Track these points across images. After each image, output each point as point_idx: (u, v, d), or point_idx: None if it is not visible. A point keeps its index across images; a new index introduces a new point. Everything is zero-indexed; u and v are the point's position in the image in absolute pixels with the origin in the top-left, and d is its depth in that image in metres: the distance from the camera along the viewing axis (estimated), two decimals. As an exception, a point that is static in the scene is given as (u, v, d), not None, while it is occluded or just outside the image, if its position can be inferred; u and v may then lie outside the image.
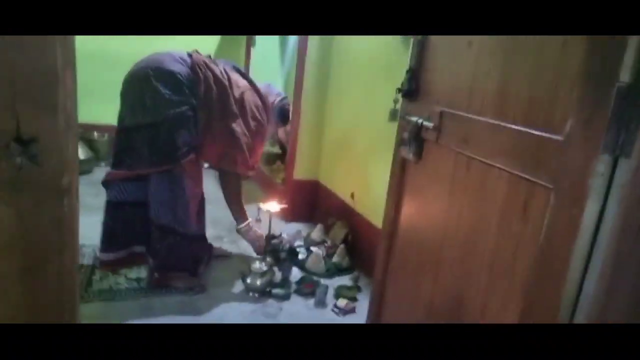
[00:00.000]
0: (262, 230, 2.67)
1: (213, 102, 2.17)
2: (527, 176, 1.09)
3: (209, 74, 2.16)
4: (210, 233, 2.84)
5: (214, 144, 2.25)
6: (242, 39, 4.44)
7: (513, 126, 1.14)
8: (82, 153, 3.84)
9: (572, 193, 0.95)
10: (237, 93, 2.28)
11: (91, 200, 3.28)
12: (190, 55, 2.18)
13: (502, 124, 1.18)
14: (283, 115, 2.70)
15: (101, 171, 3.95)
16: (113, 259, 2.16)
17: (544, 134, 1.04)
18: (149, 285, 2.14)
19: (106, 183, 2.15)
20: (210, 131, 2.20)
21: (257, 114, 2.37)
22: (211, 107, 2.17)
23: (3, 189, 0.43)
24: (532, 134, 1.07)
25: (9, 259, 0.44)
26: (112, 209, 2.12)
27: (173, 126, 2.02)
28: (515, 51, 1.17)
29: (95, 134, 4.06)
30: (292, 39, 3.81)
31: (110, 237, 2.14)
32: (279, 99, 2.63)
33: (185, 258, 2.17)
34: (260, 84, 2.54)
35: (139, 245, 2.20)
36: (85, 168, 3.83)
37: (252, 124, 2.34)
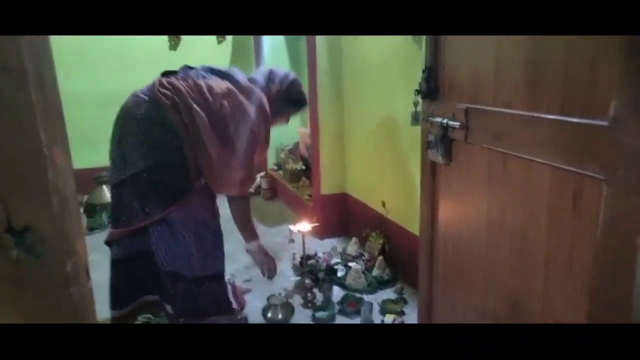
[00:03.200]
0: (297, 251, 2.62)
1: (199, 128, 1.88)
2: (572, 168, 1.00)
3: (177, 98, 1.87)
4: (244, 260, 2.80)
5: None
6: (252, 54, 4.44)
7: (548, 116, 1.05)
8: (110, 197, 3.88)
9: (628, 181, 0.86)
10: (216, 105, 1.92)
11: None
12: (151, 85, 1.94)
13: (536, 114, 1.09)
14: (295, 100, 2.25)
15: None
16: (126, 314, 2.06)
17: (585, 121, 0.95)
18: None
19: (109, 243, 2.00)
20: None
21: (246, 119, 1.96)
22: (198, 134, 1.89)
23: (4, 286, 0.38)
24: (571, 121, 0.99)
25: (17, 365, 0.40)
26: (116, 267, 1.98)
27: (155, 174, 1.86)
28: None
29: (122, 175, 4.11)
30: (303, 51, 3.78)
31: (117, 294, 2.01)
32: (285, 84, 2.18)
33: (204, 301, 1.98)
34: (255, 74, 2.19)
35: (151, 294, 2.05)
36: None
37: (241, 132, 1.95)
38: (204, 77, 1.99)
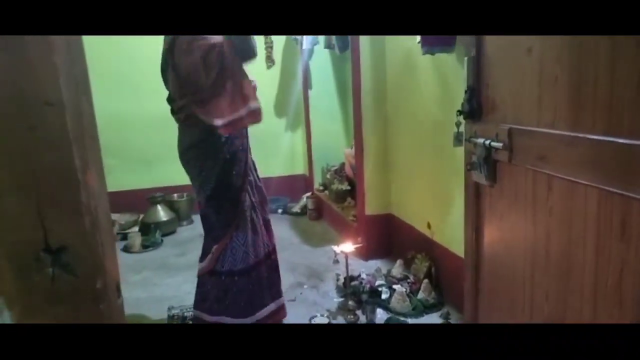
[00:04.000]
0: (341, 272, 2.61)
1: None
2: (620, 191, 0.96)
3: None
4: (289, 280, 2.83)
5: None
6: (299, 77, 4.53)
7: (593, 136, 1.02)
8: (165, 215, 4.03)
9: (680, 205, 0.81)
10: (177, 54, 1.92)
11: (175, 260, 3.43)
12: None
13: (580, 135, 1.06)
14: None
15: (183, 230, 4.15)
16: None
17: (631, 142, 0.91)
18: None
19: None
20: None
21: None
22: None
23: (39, 302, 0.42)
24: (617, 142, 0.95)
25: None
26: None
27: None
28: (583, 50, 1.05)
29: (175, 195, 4.27)
30: (349, 73, 3.82)
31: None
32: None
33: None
34: None
35: None
36: (170, 229, 4.02)
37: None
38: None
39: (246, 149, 2.13)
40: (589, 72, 1.03)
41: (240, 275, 2.10)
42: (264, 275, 2.16)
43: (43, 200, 0.42)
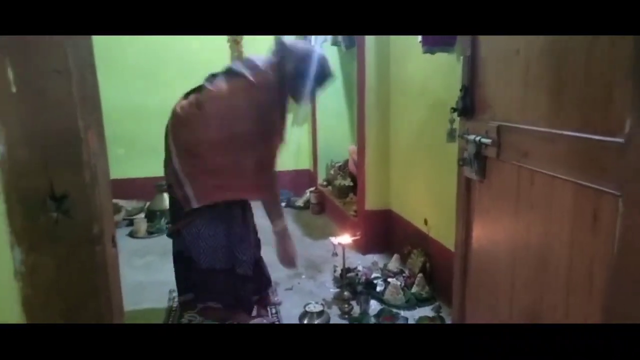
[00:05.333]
0: (339, 264, 2.67)
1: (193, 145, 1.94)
2: (592, 185, 1.01)
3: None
4: (287, 270, 2.89)
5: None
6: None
7: (570, 133, 1.07)
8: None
9: (642, 198, 0.87)
10: (206, 116, 1.87)
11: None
12: None
13: (559, 131, 1.11)
14: (316, 74, 1.92)
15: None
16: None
17: (603, 138, 0.97)
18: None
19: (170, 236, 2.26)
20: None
21: (242, 119, 1.81)
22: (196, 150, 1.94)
23: (42, 241, 0.49)
24: (591, 139, 1.00)
25: (50, 302, 0.50)
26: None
27: None
28: (564, 53, 1.11)
29: (181, 184, 4.36)
30: (354, 71, 3.88)
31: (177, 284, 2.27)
32: (298, 57, 1.88)
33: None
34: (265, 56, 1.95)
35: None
36: (174, 217, 4.11)
37: (240, 134, 1.82)
38: (205, 86, 1.94)
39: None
40: (567, 72, 1.09)
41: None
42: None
43: (50, 155, 0.49)
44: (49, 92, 0.49)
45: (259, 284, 2.32)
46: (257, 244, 2.31)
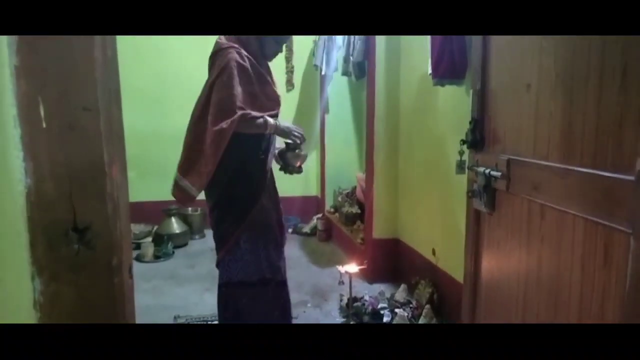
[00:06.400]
0: (346, 293, 2.64)
1: None
2: (603, 221, 1.01)
3: None
4: (293, 298, 2.87)
5: None
6: (317, 101, 4.66)
7: (582, 169, 1.08)
8: (178, 227, 4.14)
9: (654, 236, 0.86)
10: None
11: (186, 272, 3.51)
12: None
13: (570, 167, 1.12)
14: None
15: (195, 243, 4.24)
16: None
17: (614, 175, 0.97)
18: None
19: None
20: None
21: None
22: None
23: (64, 271, 0.50)
24: (602, 175, 1.01)
25: (69, 333, 0.51)
26: None
27: None
28: (575, 90, 1.12)
29: (189, 209, 4.38)
30: (363, 100, 3.93)
31: None
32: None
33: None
34: None
35: None
36: (182, 241, 4.11)
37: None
38: None
39: (262, 164, 2.05)
40: (578, 109, 1.10)
41: (240, 287, 2.05)
42: (269, 295, 2.10)
43: (75, 187, 0.51)
44: (77, 128, 0.51)
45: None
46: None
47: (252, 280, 2.05)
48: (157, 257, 3.75)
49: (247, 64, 1.92)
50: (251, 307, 2.08)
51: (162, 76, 4.48)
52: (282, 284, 2.16)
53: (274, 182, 2.17)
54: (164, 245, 3.88)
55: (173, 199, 2.05)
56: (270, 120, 1.98)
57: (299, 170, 2.15)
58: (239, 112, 1.87)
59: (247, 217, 2.01)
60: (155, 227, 4.15)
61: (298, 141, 2.08)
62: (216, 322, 2.39)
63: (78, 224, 0.51)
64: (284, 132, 2.06)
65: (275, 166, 2.16)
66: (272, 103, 2.04)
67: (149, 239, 4.05)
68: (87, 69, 0.50)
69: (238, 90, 1.88)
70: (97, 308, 0.53)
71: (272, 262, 2.09)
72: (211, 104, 1.89)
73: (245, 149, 1.98)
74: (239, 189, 2.00)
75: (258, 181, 2.04)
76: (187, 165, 1.95)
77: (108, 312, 0.54)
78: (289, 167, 2.12)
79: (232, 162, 1.94)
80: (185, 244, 4.14)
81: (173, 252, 3.88)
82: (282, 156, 2.11)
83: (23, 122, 0.49)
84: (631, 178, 0.92)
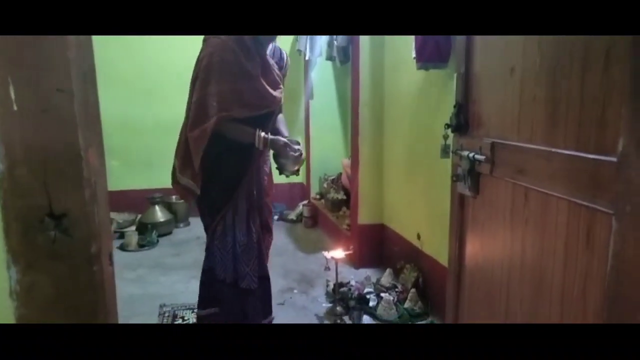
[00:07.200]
0: (332, 278, 2.66)
1: None
2: (586, 203, 1.02)
3: None
4: (280, 284, 2.88)
5: None
6: (302, 88, 4.62)
7: (565, 151, 1.09)
8: (162, 215, 4.10)
9: (636, 216, 0.87)
10: None
11: (171, 260, 3.48)
12: None
13: (554, 150, 1.13)
14: None
15: (180, 232, 4.20)
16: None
17: (597, 157, 0.98)
18: None
19: None
20: None
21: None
22: None
23: (40, 259, 0.49)
24: (586, 157, 1.01)
25: (46, 321, 0.49)
26: None
27: None
28: (559, 73, 1.12)
29: (174, 197, 4.34)
30: (349, 85, 3.91)
31: None
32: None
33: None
34: None
35: None
36: (166, 230, 4.08)
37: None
38: None
39: (249, 156, 1.94)
40: (562, 92, 1.11)
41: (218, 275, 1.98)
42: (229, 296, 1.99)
43: (50, 173, 0.49)
44: (50, 110, 0.49)
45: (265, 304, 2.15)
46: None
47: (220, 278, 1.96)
48: (141, 246, 3.71)
49: (231, 57, 1.78)
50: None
51: (147, 66, 4.40)
52: (245, 292, 1.99)
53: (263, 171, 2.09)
54: (148, 233, 3.84)
55: (157, 187, 2.02)
56: (261, 134, 1.85)
57: (295, 173, 2.06)
58: (213, 118, 1.74)
59: (219, 215, 1.92)
60: (139, 216, 4.11)
61: (293, 159, 1.93)
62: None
63: (54, 210, 0.49)
64: (278, 149, 1.92)
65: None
66: (263, 100, 1.88)
67: (133, 227, 4.00)
68: (59, 48, 0.48)
69: (216, 88, 1.76)
70: (76, 297, 0.52)
71: (236, 266, 1.95)
72: (192, 103, 1.81)
73: (227, 152, 1.89)
74: (215, 188, 1.91)
75: (235, 183, 1.93)
76: (182, 164, 1.89)
77: (88, 300, 0.52)
78: (284, 171, 2.02)
79: (209, 158, 1.82)
80: (170, 233, 4.11)
81: (157, 241, 3.85)
82: (276, 160, 2.02)
83: (-8, 105, 0.46)
84: (613, 159, 0.93)
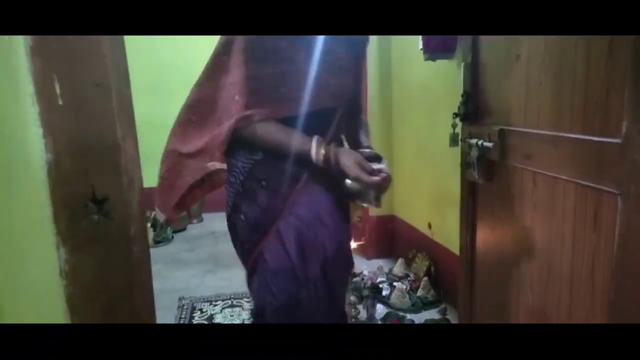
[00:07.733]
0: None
1: None
2: (592, 184, 1.05)
3: None
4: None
5: None
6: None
7: (571, 135, 1.11)
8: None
9: (640, 196, 0.90)
10: None
11: (186, 255, 3.55)
12: None
13: (560, 134, 1.15)
14: None
15: (194, 227, 4.27)
16: None
17: (602, 139, 1.01)
18: None
19: None
20: None
21: None
22: None
23: (84, 241, 0.53)
24: (591, 140, 1.04)
25: (91, 298, 0.54)
26: None
27: None
28: (563, 59, 1.15)
29: (186, 193, 4.39)
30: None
31: None
32: None
33: None
34: None
35: None
36: (181, 226, 4.15)
37: None
38: None
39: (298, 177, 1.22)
40: (567, 77, 1.13)
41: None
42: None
43: (91, 161, 0.53)
44: (90, 103, 0.54)
45: None
46: None
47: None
48: (156, 242, 3.79)
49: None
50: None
51: (157, 64, 4.46)
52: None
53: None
54: (163, 230, 3.91)
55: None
56: (319, 150, 1.17)
57: (377, 204, 1.34)
58: (233, 117, 1.17)
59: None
60: (154, 213, 4.17)
61: (372, 184, 1.22)
62: (220, 303, 2.43)
63: (96, 195, 0.54)
64: (344, 169, 1.18)
65: None
66: (302, 95, 1.17)
67: (148, 224, 4.08)
68: (94, 45, 0.52)
69: (243, 74, 1.19)
70: (117, 275, 0.56)
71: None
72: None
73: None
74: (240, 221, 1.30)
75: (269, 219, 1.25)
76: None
77: (128, 279, 0.57)
78: (359, 201, 1.35)
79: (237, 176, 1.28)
80: (184, 229, 4.18)
81: (172, 237, 3.92)
82: (344, 184, 1.23)
83: (40, 100, 0.51)
84: (618, 141, 0.95)
